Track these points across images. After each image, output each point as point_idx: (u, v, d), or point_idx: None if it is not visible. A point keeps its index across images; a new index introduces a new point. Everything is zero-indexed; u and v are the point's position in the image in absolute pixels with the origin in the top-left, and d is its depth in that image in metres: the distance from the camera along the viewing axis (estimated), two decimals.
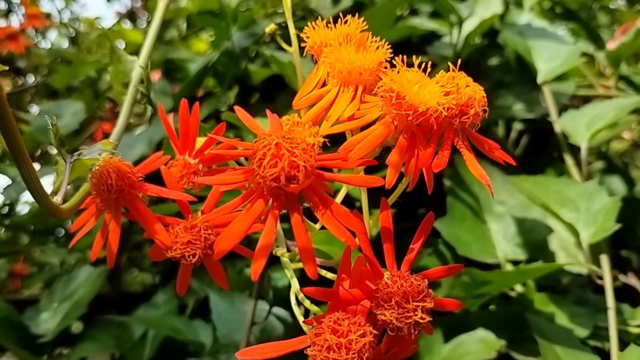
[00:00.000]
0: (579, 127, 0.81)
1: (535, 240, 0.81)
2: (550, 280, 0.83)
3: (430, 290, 0.37)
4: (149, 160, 0.50)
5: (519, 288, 0.81)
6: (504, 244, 0.82)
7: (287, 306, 0.88)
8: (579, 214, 0.73)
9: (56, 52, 1.82)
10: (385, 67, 0.40)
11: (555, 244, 0.84)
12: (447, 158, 0.38)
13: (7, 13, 1.99)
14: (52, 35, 2.08)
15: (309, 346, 0.36)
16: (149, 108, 0.62)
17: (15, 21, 1.91)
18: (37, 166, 1.18)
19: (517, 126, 1.10)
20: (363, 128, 0.38)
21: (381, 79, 0.38)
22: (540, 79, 0.91)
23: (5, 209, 1.05)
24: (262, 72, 1.09)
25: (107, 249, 0.46)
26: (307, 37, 0.45)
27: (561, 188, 0.76)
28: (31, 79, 1.77)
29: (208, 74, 1.28)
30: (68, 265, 1.23)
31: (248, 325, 0.72)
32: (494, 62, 1.02)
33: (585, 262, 0.75)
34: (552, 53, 0.90)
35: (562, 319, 0.76)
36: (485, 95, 0.40)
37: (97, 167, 0.45)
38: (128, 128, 0.61)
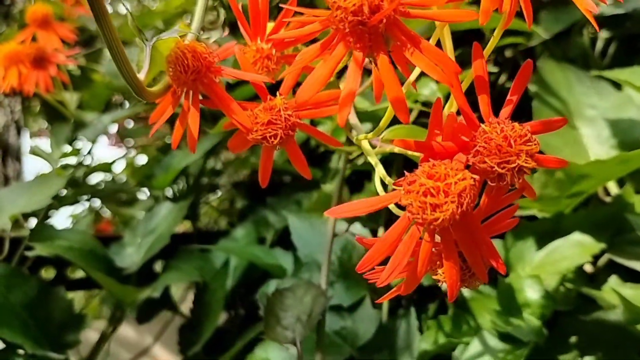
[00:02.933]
0: None
1: (632, 139, 0.75)
2: None
3: (534, 136, 0.34)
4: (222, 47, 0.49)
5: (614, 190, 0.76)
6: (597, 147, 0.77)
7: (365, 225, 0.86)
8: None
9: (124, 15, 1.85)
10: None
11: None
12: None
13: None
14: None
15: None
16: (222, 13, 0.60)
17: None
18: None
19: (603, 35, 1.02)
20: None
21: None
22: None
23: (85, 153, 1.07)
24: None
25: (187, 134, 0.45)
26: None
27: None
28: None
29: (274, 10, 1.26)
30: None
31: (330, 238, 0.70)
32: None
33: None
34: None
35: None
36: None
37: (173, 50, 0.43)
38: None
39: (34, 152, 1.02)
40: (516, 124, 0.33)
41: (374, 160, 0.48)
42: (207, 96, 0.45)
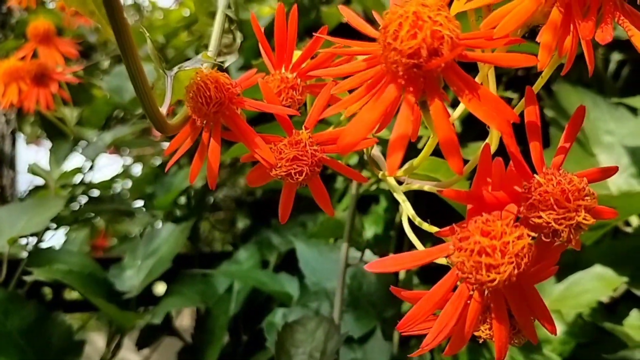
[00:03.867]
0: None
1: None
2: None
3: (592, 189, 0.31)
4: (244, 76, 0.46)
5: (635, 222, 0.74)
6: (616, 176, 0.74)
7: (375, 253, 0.84)
8: None
9: None
10: None
11: None
12: (612, 33, 0.32)
13: None
14: None
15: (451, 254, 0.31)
16: (238, 35, 0.58)
17: None
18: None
19: (616, 57, 1.01)
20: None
21: None
22: None
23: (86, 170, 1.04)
24: (337, 13, 1.03)
25: (207, 168, 0.42)
26: None
27: None
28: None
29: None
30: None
31: (342, 268, 0.68)
32: None
33: None
34: None
35: None
36: None
37: (194, 81, 0.41)
38: None
39: (33, 171, 0.98)
40: (574, 176, 0.31)
41: (401, 197, 0.45)
42: (228, 128, 0.43)
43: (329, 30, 1.10)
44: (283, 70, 0.46)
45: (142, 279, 0.92)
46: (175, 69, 0.41)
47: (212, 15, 0.57)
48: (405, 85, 0.29)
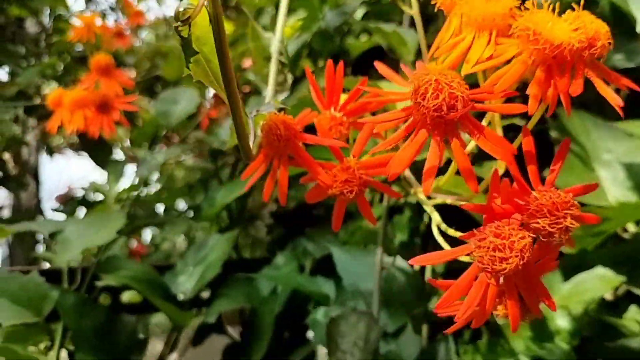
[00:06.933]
0: None
1: None
2: None
3: (575, 202, 0.42)
4: (301, 116, 0.58)
5: (632, 229, 0.84)
6: (614, 189, 0.85)
7: (404, 258, 0.95)
8: None
9: (155, 48, 1.94)
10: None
11: None
12: (582, 86, 0.43)
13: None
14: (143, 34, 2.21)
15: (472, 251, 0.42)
16: (289, 76, 0.70)
17: (112, 21, 2.07)
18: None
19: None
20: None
21: (513, 23, 0.44)
22: (639, 27, 0.92)
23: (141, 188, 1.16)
24: (361, 44, 1.15)
25: (278, 189, 0.54)
26: None
27: None
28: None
29: (303, 54, 1.36)
30: (192, 237, 1.35)
31: (378, 270, 0.79)
32: None
33: None
34: None
35: None
36: (609, 29, 0.45)
37: (265, 122, 0.53)
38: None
39: (95, 188, 1.11)
40: (561, 192, 0.42)
41: (429, 208, 0.56)
42: (292, 157, 0.55)
43: (353, 58, 1.20)
44: (332, 110, 0.57)
45: (194, 284, 1.04)
46: (254, 113, 0.52)
47: (267, 59, 0.70)
48: (432, 130, 0.41)
